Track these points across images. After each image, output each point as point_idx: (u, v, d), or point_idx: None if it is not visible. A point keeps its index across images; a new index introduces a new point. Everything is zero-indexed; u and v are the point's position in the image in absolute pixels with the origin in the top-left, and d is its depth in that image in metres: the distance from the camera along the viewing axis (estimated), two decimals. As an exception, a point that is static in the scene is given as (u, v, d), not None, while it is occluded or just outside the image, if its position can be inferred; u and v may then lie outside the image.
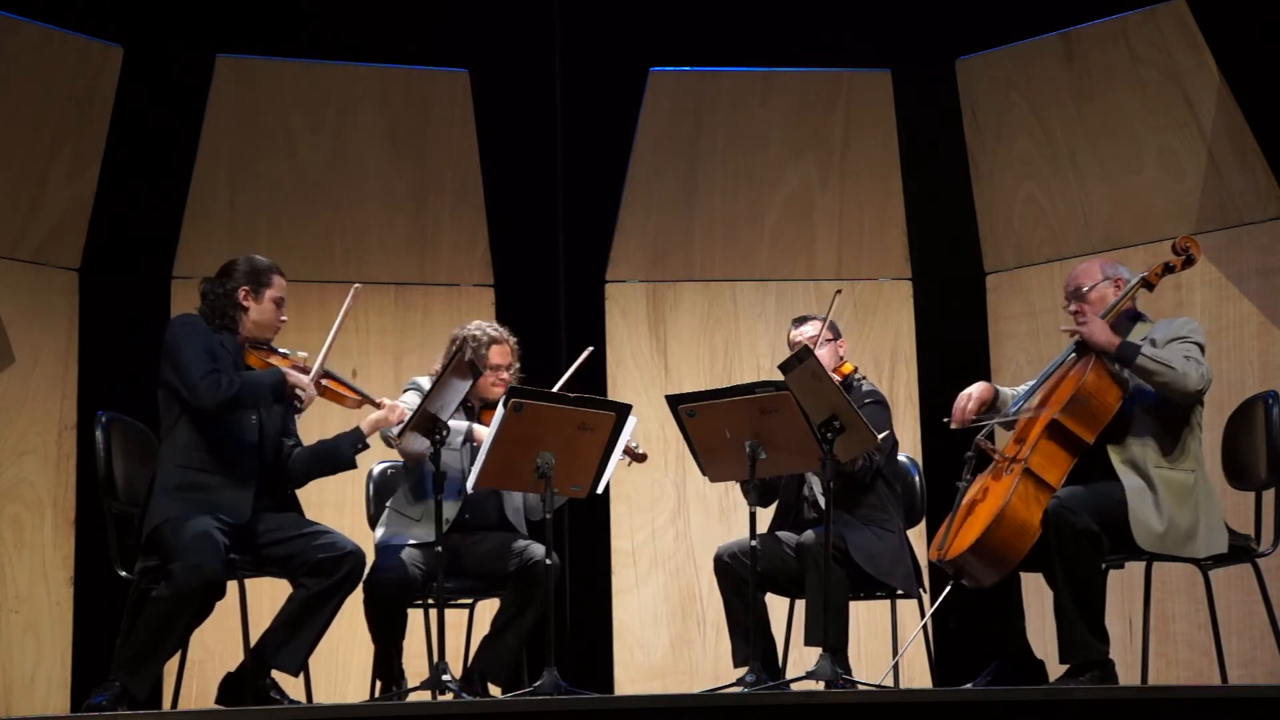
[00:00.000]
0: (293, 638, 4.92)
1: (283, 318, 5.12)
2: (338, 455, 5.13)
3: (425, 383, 5.46)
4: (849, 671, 5.16)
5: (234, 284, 5.06)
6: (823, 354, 5.45)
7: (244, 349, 5.06)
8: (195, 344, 4.92)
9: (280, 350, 5.12)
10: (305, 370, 5.07)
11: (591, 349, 5.50)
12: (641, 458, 5.35)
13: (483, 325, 5.52)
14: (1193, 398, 4.83)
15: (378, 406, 5.15)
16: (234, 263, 5.13)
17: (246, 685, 4.90)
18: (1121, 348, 4.84)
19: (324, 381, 5.08)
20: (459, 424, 5.31)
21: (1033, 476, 4.82)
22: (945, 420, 5.15)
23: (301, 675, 5.11)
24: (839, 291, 5.43)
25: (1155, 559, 4.90)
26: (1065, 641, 4.77)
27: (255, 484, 4.95)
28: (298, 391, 4.99)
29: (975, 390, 5.15)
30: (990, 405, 5.15)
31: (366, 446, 5.16)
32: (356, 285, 5.20)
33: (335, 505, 6.42)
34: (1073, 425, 4.84)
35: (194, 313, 5.07)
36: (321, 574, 4.93)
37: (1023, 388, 5.24)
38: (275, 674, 4.97)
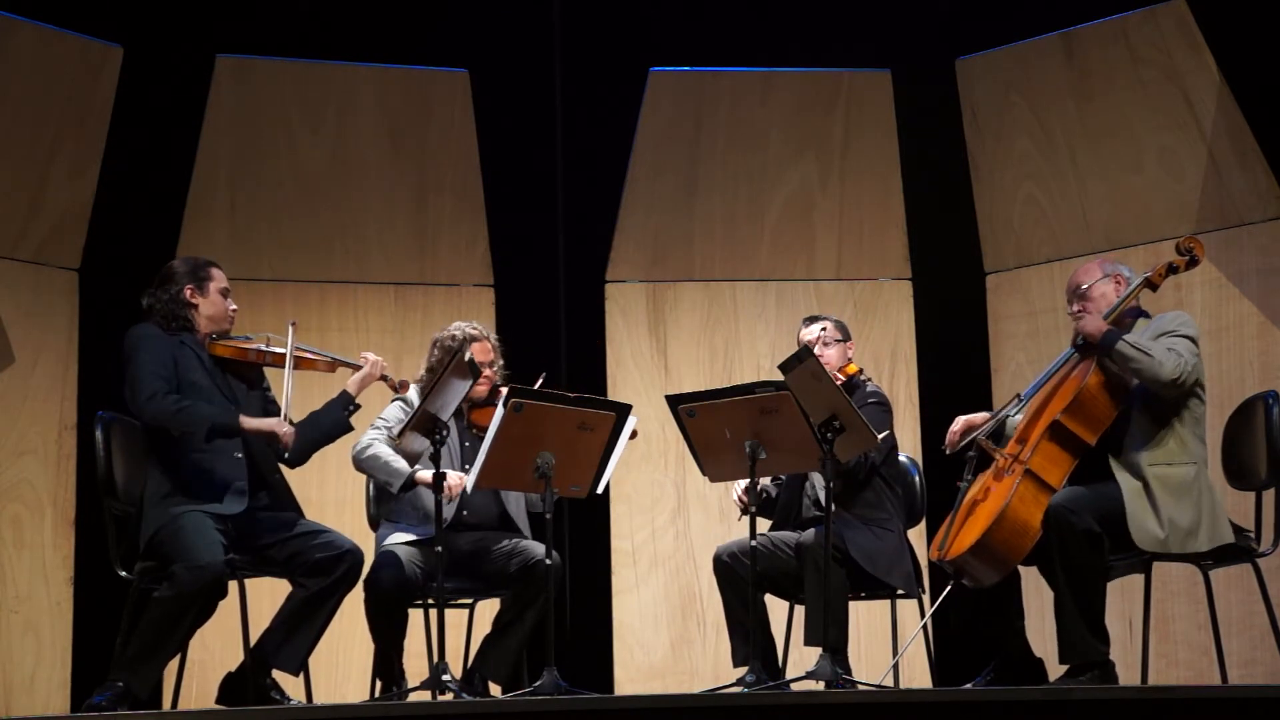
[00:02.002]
0: (292, 637, 4.93)
1: (233, 307, 5.13)
2: (330, 422, 5.15)
3: (409, 392, 5.50)
4: (849, 671, 5.15)
5: (177, 286, 5.06)
6: (831, 354, 5.47)
7: (209, 342, 5.07)
8: (152, 358, 4.91)
9: (243, 336, 5.13)
10: (269, 350, 5.07)
11: (545, 374, 5.48)
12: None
13: (461, 325, 5.55)
14: (1170, 388, 4.80)
15: (356, 367, 5.17)
16: (169, 267, 5.14)
17: (247, 685, 4.90)
18: (1105, 334, 4.85)
19: (295, 354, 5.09)
20: (425, 473, 5.25)
21: (1034, 477, 4.82)
22: (943, 448, 5.17)
23: (301, 675, 5.11)
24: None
25: (1157, 559, 4.89)
26: (1065, 642, 4.77)
27: (246, 479, 4.94)
28: (279, 434, 4.94)
29: (963, 417, 5.15)
30: (984, 423, 5.15)
31: (358, 407, 5.19)
32: (293, 321, 5.20)
33: (335, 505, 6.43)
34: (1074, 426, 4.84)
35: (149, 323, 5.04)
36: (320, 573, 4.94)
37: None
38: (276, 673, 4.97)
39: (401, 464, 5.24)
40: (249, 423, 4.93)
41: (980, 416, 5.15)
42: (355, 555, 5.00)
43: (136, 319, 5.07)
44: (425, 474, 5.15)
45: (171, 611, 4.71)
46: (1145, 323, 5.02)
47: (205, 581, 4.71)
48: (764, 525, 5.50)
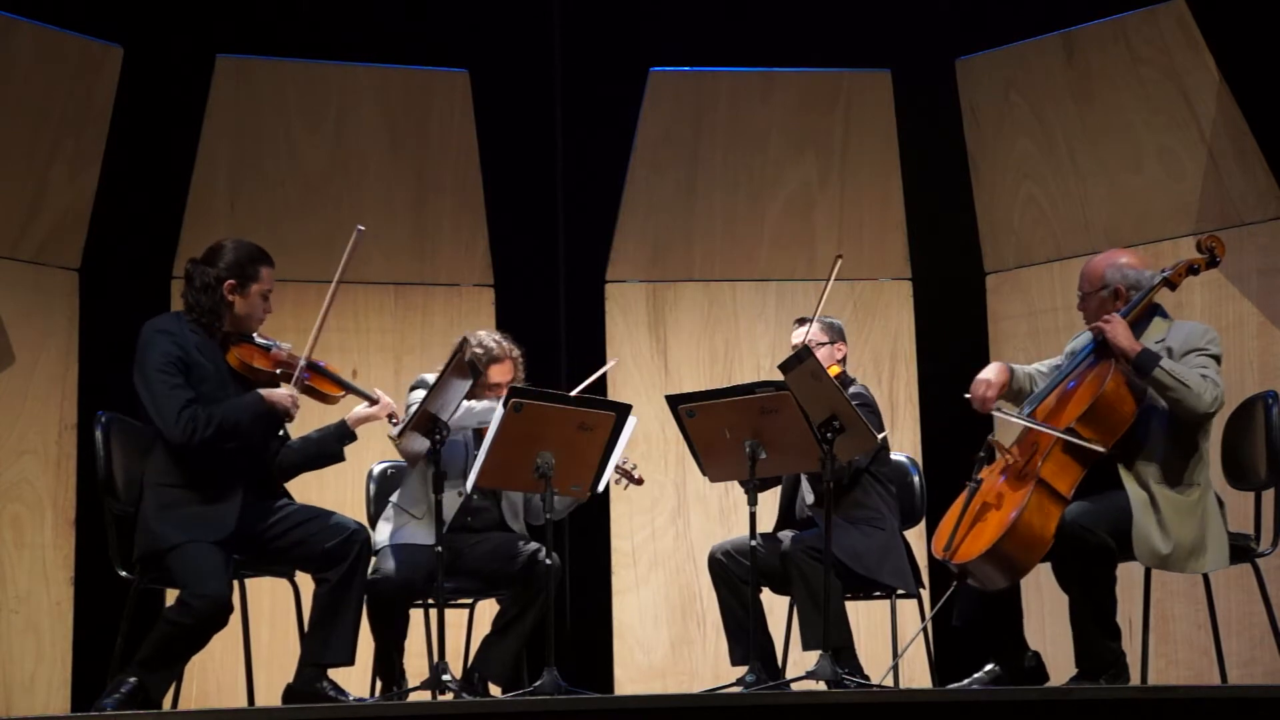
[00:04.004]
0: (335, 630, 4.91)
1: (268, 310, 5.00)
2: (325, 450, 5.09)
3: (432, 380, 5.45)
4: (860, 670, 5.15)
5: (219, 274, 4.89)
6: (819, 355, 5.46)
7: (226, 346, 4.94)
8: (168, 369, 4.78)
9: (263, 343, 5.03)
10: (291, 363, 4.98)
11: (616, 360, 5.42)
12: (638, 482, 5.35)
13: (484, 340, 5.45)
14: (1202, 418, 4.78)
15: (372, 401, 5.08)
16: (221, 247, 4.94)
17: (308, 692, 4.90)
18: (1141, 355, 4.76)
19: (307, 378, 4.96)
20: (477, 404, 5.22)
21: (1046, 487, 4.74)
22: (966, 396, 5.04)
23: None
24: (840, 256, 5.35)
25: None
26: (1080, 649, 4.76)
27: (241, 493, 4.88)
28: (282, 408, 4.88)
29: (993, 376, 5.04)
30: (1007, 386, 5.08)
31: (354, 439, 5.13)
32: (360, 227, 5.06)
33: (335, 505, 6.40)
34: (1089, 435, 4.77)
35: (170, 314, 4.96)
36: (336, 560, 4.92)
37: (1037, 366, 5.19)
38: (331, 673, 4.97)
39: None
40: (268, 396, 4.84)
41: (1000, 378, 5.04)
42: (362, 533, 4.99)
43: (136, 319, 5.03)
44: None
45: (181, 636, 4.72)
46: (1165, 325, 4.95)
47: (216, 609, 4.72)
48: (764, 525, 5.49)
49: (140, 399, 4.83)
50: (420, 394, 5.29)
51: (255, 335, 5.04)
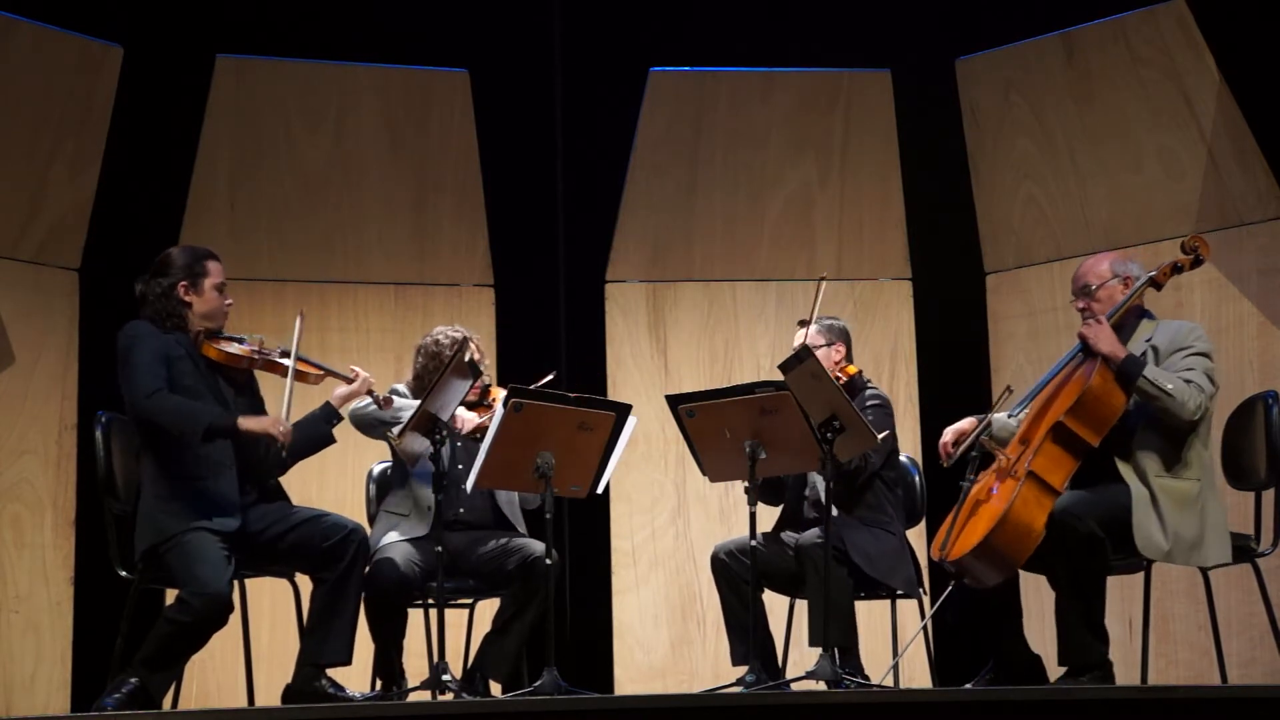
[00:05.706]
0: (332, 629, 4.92)
1: (228, 302, 5.04)
2: (315, 432, 5.12)
3: (401, 389, 5.48)
4: (861, 670, 5.15)
5: (171, 280, 4.95)
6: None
7: (199, 343, 4.98)
8: (148, 356, 4.83)
9: (236, 336, 5.05)
10: (265, 352, 5.02)
11: (554, 373, 5.44)
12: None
13: (444, 330, 5.55)
14: (1188, 425, 4.79)
15: (347, 380, 5.14)
16: (166, 256, 5.02)
17: (307, 691, 4.90)
18: (1125, 363, 4.78)
19: (298, 366, 5.02)
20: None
21: (1036, 479, 4.77)
22: (940, 463, 5.14)
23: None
24: (824, 278, 5.33)
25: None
26: (1065, 644, 4.76)
27: (238, 485, 4.91)
28: (267, 435, 4.90)
29: (951, 427, 5.14)
30: (974, 428, 5.12)
31: (341, 419, 5.18)
32: (301, 311, 5.15)
33: (335, 505, 6.40)
34: (1078, 428, 4.79)
35: (142, 320, 4.96)
36: (333, 560, 4.93)
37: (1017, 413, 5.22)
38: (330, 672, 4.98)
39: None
40: (246, 423, 4.87)
41: (968, 422, 5.14)
42: (359, 532, 5.01)
43: (136, 318, 5.04)
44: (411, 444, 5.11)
45: (182, 634, 4.73)
46: (1151, 325, 4.97)
47: (217, 608, 4.73)
48: (766, 525, 5.49)
49: (119, 384, 4.86)
50: (401, 401, 5.33)
51: (224, 332, 5.07)
